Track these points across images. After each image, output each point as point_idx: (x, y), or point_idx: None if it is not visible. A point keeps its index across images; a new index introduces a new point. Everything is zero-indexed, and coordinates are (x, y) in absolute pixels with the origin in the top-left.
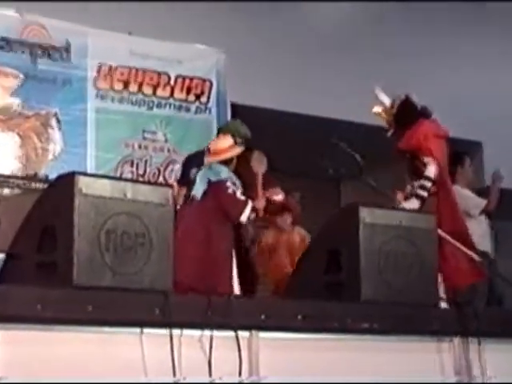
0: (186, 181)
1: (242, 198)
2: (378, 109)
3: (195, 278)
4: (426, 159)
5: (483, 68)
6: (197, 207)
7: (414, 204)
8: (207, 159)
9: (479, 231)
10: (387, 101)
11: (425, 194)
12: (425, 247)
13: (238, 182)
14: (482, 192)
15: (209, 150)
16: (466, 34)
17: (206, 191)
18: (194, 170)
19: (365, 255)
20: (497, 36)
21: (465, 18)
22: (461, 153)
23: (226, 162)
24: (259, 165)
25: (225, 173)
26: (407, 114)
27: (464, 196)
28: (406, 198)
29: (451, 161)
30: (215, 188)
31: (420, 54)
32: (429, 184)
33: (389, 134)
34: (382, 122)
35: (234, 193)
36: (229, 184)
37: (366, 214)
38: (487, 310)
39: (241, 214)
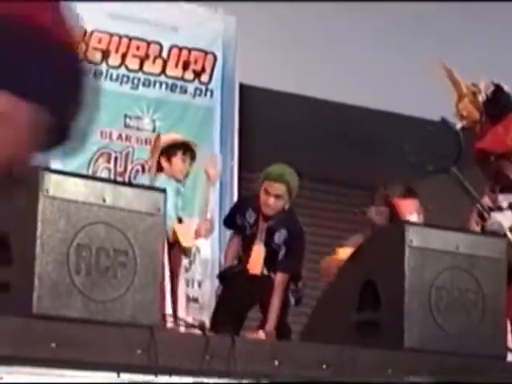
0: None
1: None
2: (469, 89)
3: None
4: None
5: None
6: None
7: (508, 218)
8: None
9: None
10: (463, 83)
11: None
12: (489, 282)
13: None
14: None
15: None
16: None
17: None
18: (238, 216)
19: (410, 289)
20: None
21: None
22: None
23: None
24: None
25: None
26: (500, 105)
27: None
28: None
29: None
30: None
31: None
32: None
33: (460, 126)
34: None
35: None
36: None
37: (414, 236)
38: None
39: None
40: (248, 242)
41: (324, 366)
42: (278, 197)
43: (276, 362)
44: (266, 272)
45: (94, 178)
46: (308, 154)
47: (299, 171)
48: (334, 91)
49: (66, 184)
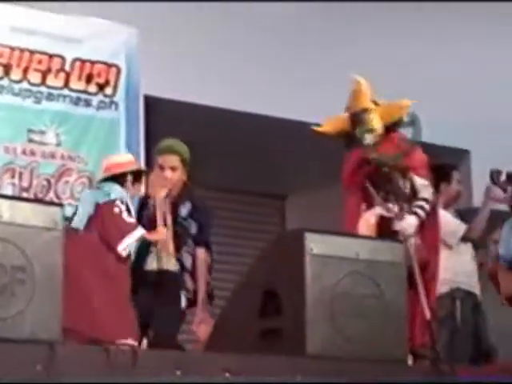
0: None
1: (131, 220)
2: (371, 104)
3: (89, 326)
4: (423, 182)
5: (474, 68)
6: (81, 239)
7: (415, 223)
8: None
9: (458, 266)
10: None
11: (423, 215)
12: (390, 287)
13: (134, 205)
14: (469, 213)
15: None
16: (459, 25)
17: (92, 217)
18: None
19: (312, 296)
20: (485, 35)
21: (452, 16)
22: (448, 166)
23: (120, 181)
24: (157, 187)
25: (116, 192)
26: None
27: (444, 221)
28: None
29: (434, 175)
30: (101, 211)
31: (397, 48)
32: (427, 207)
33: (374, 139)
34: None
35: (121, 213)
36: (118, 203)
37: (314, 243)
38: (469, 366)
39: (120, 240)
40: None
41: (227, 375)
42: (173, 169)
43: (179, 372)
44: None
45: None
46: (215, 164)
47: (207, 181)
48: (239, 100)
49: None
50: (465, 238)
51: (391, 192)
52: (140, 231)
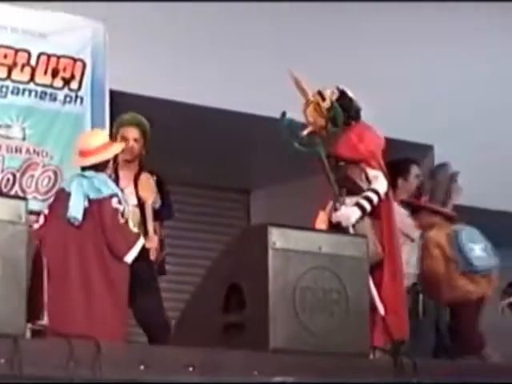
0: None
1: (135, 230)
2: (315, 97)
3: (85, 326)
4: (375, 173)
5: (437, 66)
6: (78, 235)
7: (355, 213)
8: (75, 162)
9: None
10: (310, 91)
11: (368, 206)
12: (353, 281)
13: (126, 200)
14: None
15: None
16: (413, 20)
17: (85, 211)
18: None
19: (274, 290)
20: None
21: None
22: (405, 161)
23: (100, 168)
24: (147, 192)
25: (108, 187)
26: (345, 111)
27: (401, 214)
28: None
29: (392, 171)
30: (98, 209)
31: (359, 45)
32: (375, 198)
33: (306, 132)
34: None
35: (126, 222)
36: (115, 205)
37: (277, 237)
38: (430, 361)
39: (128, 251)
40: None
41: (190, 369)
42: (136, 140)
43: (142, 367)
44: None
45: None
46: (179, 159)
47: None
48: (203, 95)
49: None
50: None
51: (344, 185)
52: (142, 240)
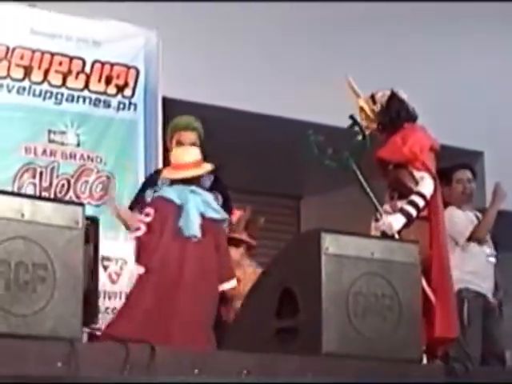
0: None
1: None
2: (362, 102)
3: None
4: (421, 174)
5: (486, 70)
6: (192, 250)
7: (398, 220)
8: (174, 174)
9: (467, 266)
10: (363, 95)
11: (413, 212)
12: (404, 287)
13: None
14: (482, 212)
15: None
16: (464, 31)
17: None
18: (149, 192)
19: (328, 295)
20: (499, 33)
21: (465, 14)
22: (450, 168)
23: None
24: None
25: (222, 212)
26: (395, 113)
27: (450, 219)
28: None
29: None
30: (214, 229)
31: (409, 51)
32: (421, 202)
33: (360, 137)
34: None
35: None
36: (226, 230)
37: (330, 243)
38: (483, 369)
39: (228, 280)
40: None
41: (244, 373)
42: (192, 145)
43: (196, 371)
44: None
45: (11, 193)
46: (231, 165)
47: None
48: (256, 102)
49: None
50: (471, 238)
51: (395, 189)
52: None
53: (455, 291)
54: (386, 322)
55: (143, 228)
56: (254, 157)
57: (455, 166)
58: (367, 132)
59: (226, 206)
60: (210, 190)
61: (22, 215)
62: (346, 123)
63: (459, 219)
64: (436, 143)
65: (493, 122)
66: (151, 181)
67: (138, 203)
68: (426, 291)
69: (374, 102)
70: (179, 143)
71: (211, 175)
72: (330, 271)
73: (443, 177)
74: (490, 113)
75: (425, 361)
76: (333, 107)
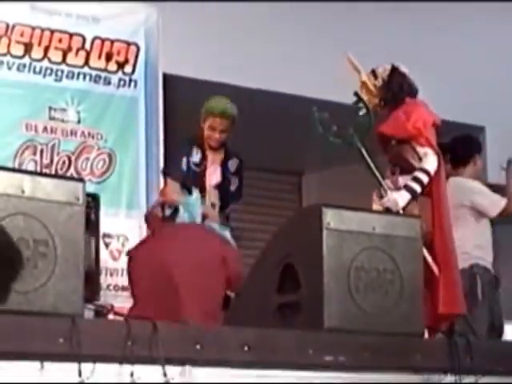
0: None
1: None
2: (365, 77)
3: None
4: (424, 150)
5: (489, 48)
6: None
7: (403, 197)
8: None
9: (480, 240)
10: (364, 70)
11: (418, 188)
12: (406, 262)
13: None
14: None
15: None
16: (466, 7)
17: None
18: (184, 159)
19: (329, 270)
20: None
21: None
22: (476, 143)
23: None
24: None
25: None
26: (396, 88)
27: (478, 191)
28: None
29: (470, 146)
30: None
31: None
32: (426, 178)
33: (362, 112)
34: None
35: None
36: None
37: (332, 218)
38: (484, 342)
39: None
40: (198, 181)
41: (246, 348)
42: (223, 131)
43: (198, 346)
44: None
45: (12, 169)
46: (232, 141)
47: None
48: (257, 78)
49: None
50: (502, 213)
51: (397, 164)
52: None
53: (467, 267)
54: (387, 297)
55: None
56: (256, 133)
57: (476, 144)
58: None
59: (240, 174)
60: (236, 173)
61: (23, 191)
62: (348, 99)
63: (493, 194)
64: (438, 119)
65: (494, 96)
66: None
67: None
68: (431, 265)
69: (376, 77)
70: (211, 128)
71: (236, 159)
72: (331, 246)
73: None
74: (490, 88)
75: (426, 335)
76: (336, 83)
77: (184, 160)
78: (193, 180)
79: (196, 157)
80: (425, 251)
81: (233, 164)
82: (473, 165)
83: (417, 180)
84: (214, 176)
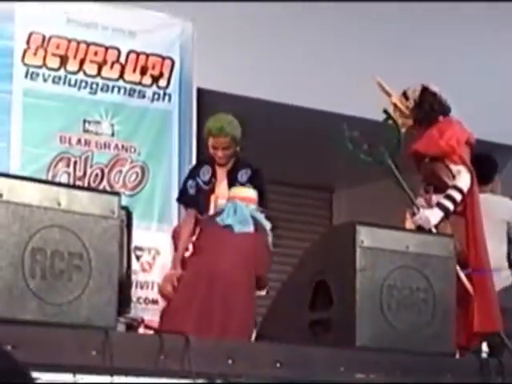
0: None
1: None
2: (395, 100)
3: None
4: (458, 168)
5: None
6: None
7: (435, 214)
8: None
9: None
10: (393, 92)
11: (451, 206)
12: (439, 280)
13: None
14: None
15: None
16: (504, 23)
17: None
18: (190, 182)
19: (362, 288)
20: None
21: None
22: (495, 162)
23: None
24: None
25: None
26: (428, 108)
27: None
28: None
29: (490, 165)
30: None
31: (437, 45)
32: (459, 196)
33: (393, 131)
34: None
35: None
36: None
37: (365, 236)
38: None
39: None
40: (207, 199)
41: (278, 365)
42: (225, 148)
43: (230, 361)
44: None
45: (48, 182)
46: (264, 157)
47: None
48: (290, 94)
49: (19, 189)
50: None
51: (430, 182)
52: None
53: (507, 286)
54: (419, 316)
55: None
56: (287, 149)
57: (496, 163)
58: (403, 129)
59: (256, 182)
60: (248, 183)
61: (59, 204)
62: (378, 116)
63: None
64: (472, 137)
65: None
66: None
67: None
68: (465, 284)
69: (407, 99)
70: (213, 147)
71: (248, 169)
72: (364, 264)
73: (494, 173)
74: None
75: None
76: (366, 100)
77: (189, 183)
78: (203, 199)
79: (206, 176)
80: (459, 270)
81: (243, 175)
82: (494, 183)
83: (449, 198)
84: (221, 188)
